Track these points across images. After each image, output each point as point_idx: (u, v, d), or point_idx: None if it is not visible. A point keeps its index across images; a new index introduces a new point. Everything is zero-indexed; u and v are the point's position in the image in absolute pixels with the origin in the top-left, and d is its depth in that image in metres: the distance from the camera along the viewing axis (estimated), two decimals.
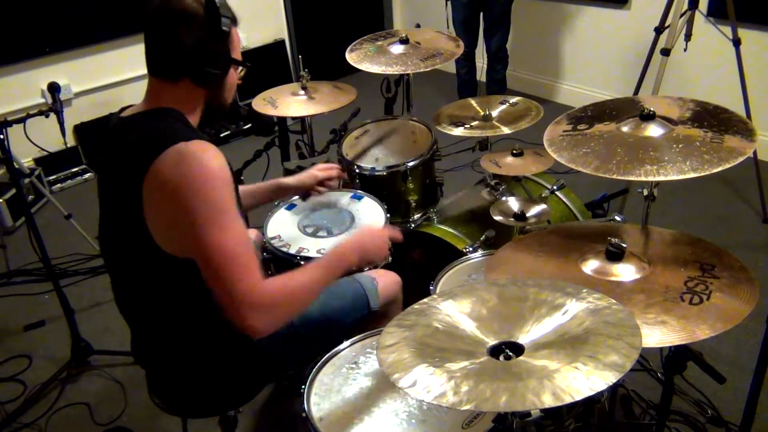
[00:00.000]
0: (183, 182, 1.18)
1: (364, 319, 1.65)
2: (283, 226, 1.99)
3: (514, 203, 1.94)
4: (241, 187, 1.73)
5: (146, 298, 1.41)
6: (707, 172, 1.29)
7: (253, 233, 1.95)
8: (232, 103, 1.46)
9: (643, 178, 1.31)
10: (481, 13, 3.86)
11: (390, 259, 1.98)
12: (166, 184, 1.19)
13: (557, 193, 2.29)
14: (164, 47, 1.29)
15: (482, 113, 2.28)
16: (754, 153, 2.84)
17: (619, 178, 1.33)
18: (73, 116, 3.83)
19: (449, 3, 3.79)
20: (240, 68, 1.40)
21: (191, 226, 1.19)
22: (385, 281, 1.73)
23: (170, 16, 1.26)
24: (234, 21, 1.35)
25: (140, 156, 1.22)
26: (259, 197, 1.82)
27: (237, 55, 1.38)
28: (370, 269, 1.76)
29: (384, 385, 1.39)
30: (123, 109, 1.39)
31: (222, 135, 4.15)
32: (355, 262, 1.47)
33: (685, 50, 2.74)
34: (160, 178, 1.20)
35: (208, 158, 1.21)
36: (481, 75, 4.10)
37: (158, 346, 1.47)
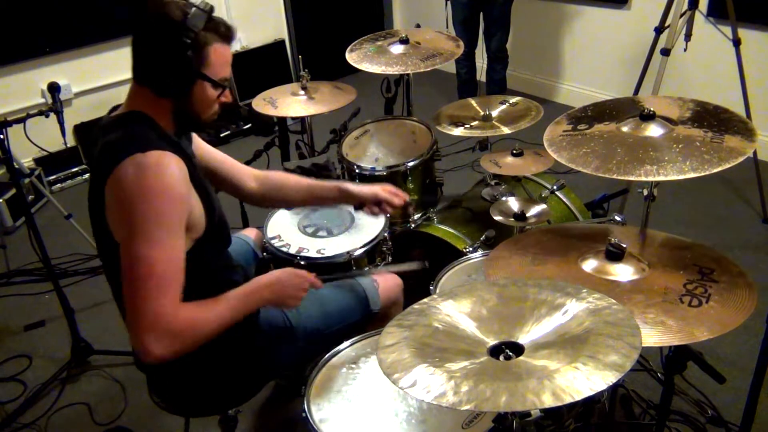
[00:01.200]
0: (133, 192, 1.19)
1: (364, 320, 1.65)
2: (283, 226, 1.99)
3: (514, 203, 1.94)
4: (299, 181, 1.71)
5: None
6: (707, 172, 1.29)
7: (252, 233, 1.95)
8: (228, 113, 1.42)
9: (643, 178, 1.31)
10: (481, 13, 3.86)
11: (390, 259, 1.98)
12: (120, 192, 1.20)
13: (557, 193, 2.29)
14: (134, 48, 1.29)
15: (482, 113, 2.28)
16: (754, 153, 2.84)
17: (619, 178, 1.33)
18: (73, 116, 3.83)
19: (449, 3, 3.79)
20: (218, 88, 1.34)
21: (125, 234, 1.20)
22: (386, 283, 1.73)
23: (144, 19, 1.26)
24: (224, 37, 1.30)
25: (104, 161, 1.23)
26: (319, 196, 1.73)
27: (215, 73, 1.31)
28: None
29: (384, 385, 1.39)
30: (115, 108, 1.39)
31: (222, 135, 4.15)
32: (269, 300, 1.39)
33: (685, 50, 2.74)
34: (117, 186, 1.20)
35: (162, 172, 1.20)
36: (481, 75, 4.10)
37: None
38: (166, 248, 1.20)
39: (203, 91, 1.32)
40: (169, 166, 1.22)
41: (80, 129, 3.89)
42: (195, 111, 1.35)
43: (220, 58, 1.31)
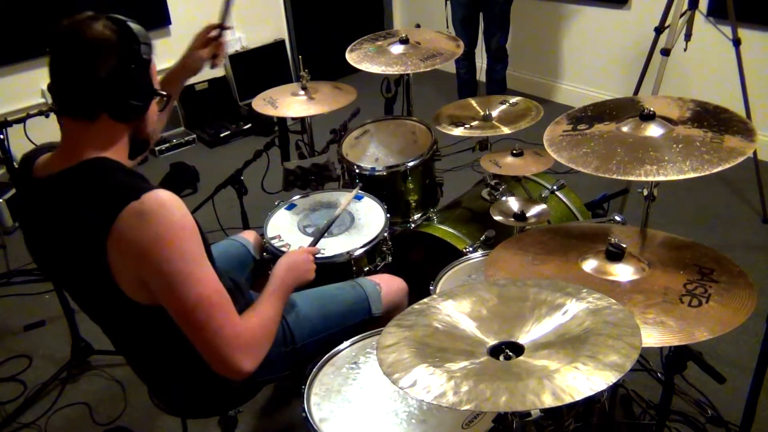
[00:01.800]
0: (150, 243, 1.14)
1: (365, 324, 1.64)
2: (283, 226, 1.99)
3: (514, 203, 1.94)
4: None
5: (124, 333, 1.41)
6: (707, 172, 1.29)
7: (251, 236, 1.95)
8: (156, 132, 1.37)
9: (643, 178, 1.31)
10: (481, 13, 3.86)
11: (390, 259, 1.98)
12: (132, 246, 1.14)
13: (557, 193, 2.29)
14: (77, 82, 1.19)
15: (482, 113, 2.28)
16: (754, 153, 2.84)
17: (619, 178, 1.33)
18: None
19: (448, 3, 3.79)
20: (159, 99, 1.32)
21: (166, 284, 1.17)
22: (389, 287, 1.72)
23: (83, 47, 1.17)
24: (152, 49, 1.27)
25: (95, 222, 1.15)
26: (174, 81, 1.70)
27: (157, 86, 1.30)
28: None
29: (384, 385, 1.39)
30: (36, 153, 1.31)
31: (222, 135, 4.15)
32: (294, 283, 1.49)
33: (685, 50, 2.74)
34: (124, 241, 1.14)
35: (168, 211, 1.16)
36: (481, 75, 4.10)
37: (151, 362, 1.47)
38: (209, 278, 1.21)
39: (153, 108, 1.31)
40: (171, 203, 1.17)
41: None
42: (148, 130, 1.33)
43: (155, 71, 1.30)
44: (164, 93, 1.31)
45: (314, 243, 1.72)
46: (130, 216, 1.13)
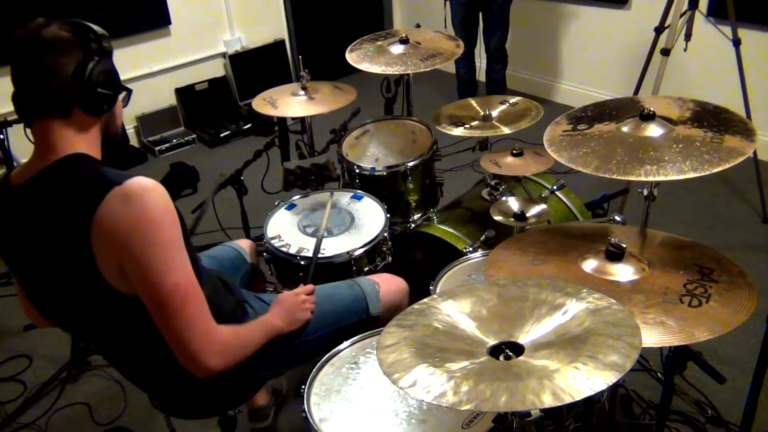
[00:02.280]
0: (132, 226, 1.14)
1: (363, 323, 1.64)
2: (283, 226, 1.99)
3: (514, 203, 1.94)
4: None
5: (114, 334, 1.38)
6: (707, 172, 1.29)
7: (245, 242, 1.95)
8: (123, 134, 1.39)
9: (643, 178, 1.32)
10: (480, 13, 3.86)
11: (390, 259, 1.98)
12: (114, 230, 1.15)
13: (557, 193, 2.29)
14: (46, 82, 1.20)
15: (482, 113, 2.28)
16: (754, 153, 2.84)
17: (619, 178, 1.34)
18: None
19: (448, 3, 3.79)
20: (123, 93, 1.33)
21: (145, 268, 1.17)
22: (388, 286, 1.72)
23: (45, 49, 1.20)
24: (110, 42, 1.29)
25: (79, 212, 1.16)
26: None
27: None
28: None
29: (384, 385, 1.39)
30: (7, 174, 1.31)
31: (222, 135, 4.15)
32: (284, 326, 1.51)
33: (685, 50, 2.74)
34: (107, 225, 1.14)
35: (152, 196, 1.17)
36: (481, 75, 4.10)
37: (147, 364, 1.45)
38: (186, 269, 1.22)
39: (119, 103, 1.33)
40: (156, 189, 1.18)
41: None
42: (117, 125, 1.35)
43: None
44: (128, 87, 1.33)
45: (308, 278, 1.72)
46: (114, 200, 1.14)
